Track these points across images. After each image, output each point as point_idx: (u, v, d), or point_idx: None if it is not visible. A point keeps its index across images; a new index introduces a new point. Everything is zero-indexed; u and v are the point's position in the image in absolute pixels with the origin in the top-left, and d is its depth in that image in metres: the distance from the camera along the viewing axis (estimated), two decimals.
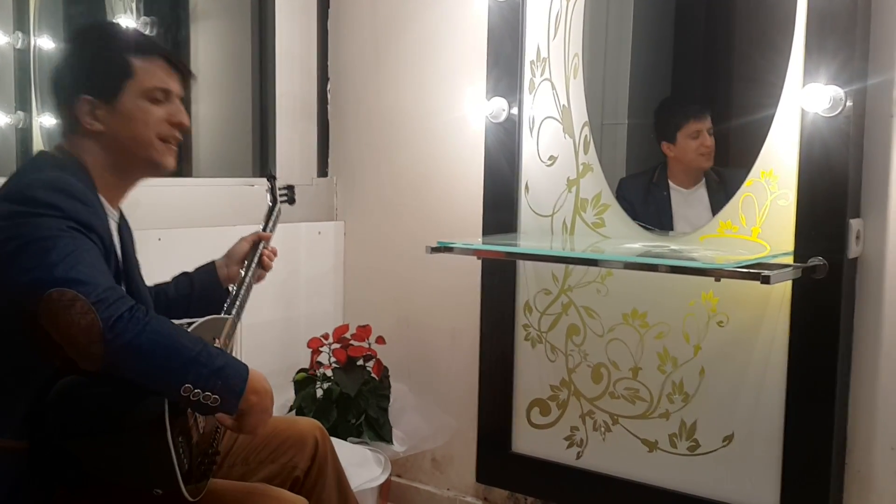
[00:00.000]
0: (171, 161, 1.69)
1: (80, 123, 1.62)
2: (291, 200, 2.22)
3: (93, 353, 1.39)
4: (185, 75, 1.72)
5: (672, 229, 2.34)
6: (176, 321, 1.62)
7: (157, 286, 1.94)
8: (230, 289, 1.92)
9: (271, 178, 2.18)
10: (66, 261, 1.40)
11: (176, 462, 1.45)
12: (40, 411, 1.47)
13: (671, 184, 2.37)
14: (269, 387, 1.57)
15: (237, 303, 1.87)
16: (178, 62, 1.71)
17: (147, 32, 2.76)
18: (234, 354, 1.85)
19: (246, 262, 1.96)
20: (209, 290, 1.95)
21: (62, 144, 1.66)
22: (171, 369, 1.42)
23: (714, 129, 2.31)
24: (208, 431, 1.65)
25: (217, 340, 1.70)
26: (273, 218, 2.11)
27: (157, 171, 1.69)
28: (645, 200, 2.38)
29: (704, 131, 2.30)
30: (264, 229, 2.06)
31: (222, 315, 1.81)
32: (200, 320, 1.65)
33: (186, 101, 1.77)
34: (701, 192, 2.32)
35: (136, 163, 1.66)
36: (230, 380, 1.47)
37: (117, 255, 1.62)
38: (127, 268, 1.68)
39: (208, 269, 1.98)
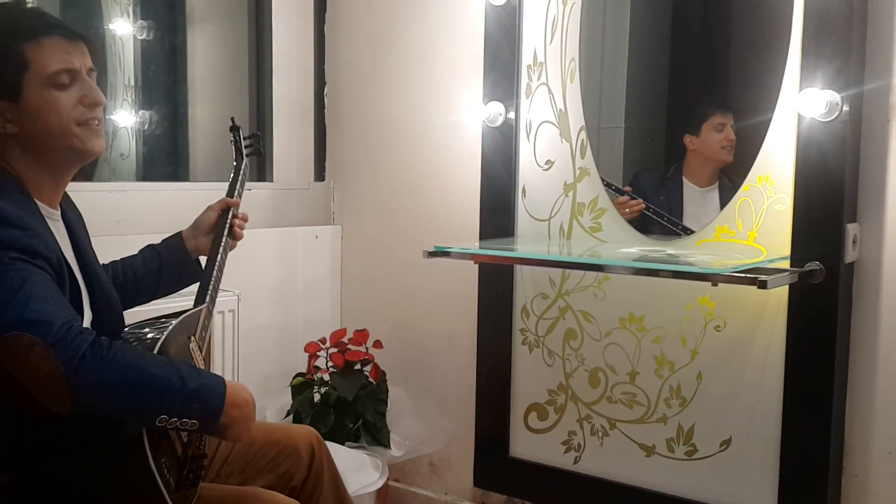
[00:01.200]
0: (97, 144, 1.56)
1: None
2: (258, 152, 2.13)
3: (59, 398, 1.34)
4: (88, 43, 1.56)
5: (681, 223, 2.33)
6: (149, 329, 1.59)
7: (124, 260, 1.89)
8: (199, 260, 1.89)
9: (235, 129, 2.07)
10: (17, 299, 1.33)
11: (161, 483, 1.43)
12: (19, 443, 1.44)
13: (685, 180, 2.37)
14: (250, 395, 1.54)
15: (210, 287, 1.81)
16: (74, 32, 1.54)
17: (144, 36, 2.77)
18: (218, 349, 1.82)
19: (216, 234, 1.91)
20: (178, 264, 1.91)
21: None
22: (143, 403, 1.38)
23: (735, 127, 2.31)
24: (191, 437, 1.63)
25: (192, 338, 1.68)
26: (241, 176, 2.03)
27: (85, 158, 1.57)
28: (657, 193, 2.38)
29: (728, 125, 2.30)
30: (230, 194, 2.00)
31: (194, 308, 1.75)
32: (174, 323, 1.60)
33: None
34: (713, 193, 2.32)
35: (60, 156, 1.54)
36: (207, 400, 1.43)
37: (68, 263, 1.53)
38: (81, 259, 1.62)
39: (176, 241, 1.93)
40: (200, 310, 1.76)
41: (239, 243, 2.02)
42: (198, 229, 1.95)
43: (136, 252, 1.94)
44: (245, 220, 2.01)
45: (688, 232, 2.26)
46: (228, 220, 1.94)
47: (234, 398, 1.47)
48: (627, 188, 2.36)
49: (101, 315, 1.62)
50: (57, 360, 1.31)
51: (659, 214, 2.33)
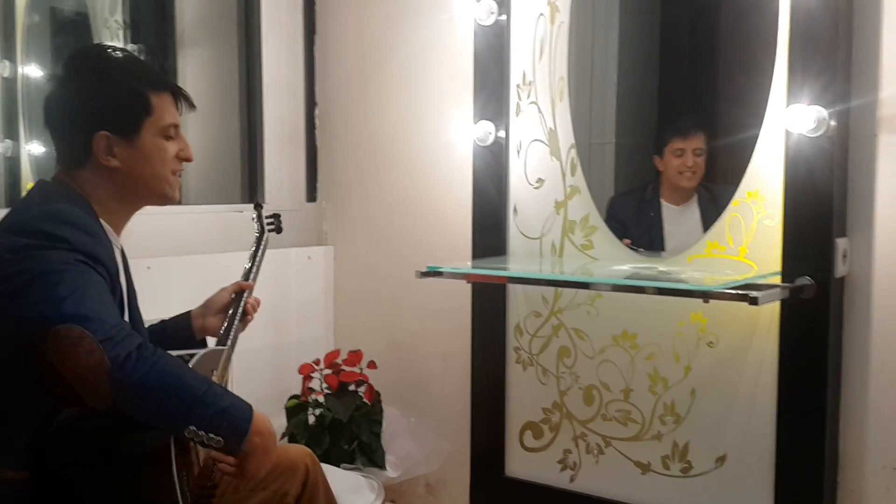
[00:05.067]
0: (178, 194, 1.71)
1: (93, 158, 1.60)
2: (279, 229, 2.20)
3: (101, 392, 1.38)
4: (189, 108, 1.72)
5: (663, 248, 2.34)
6: (175, 352, 1.62)
7: None
8: (206, 341, 1.91)
9: (258, 207, 2.17)
10: (74, 296, 1.40)
11: (179, 495, 1.45)
12: (42, 442, 1.47)
13: (662, 201, 2.38)
14: (273, 428, 1.57)
15: (229, 338, 1.86)
16: (186, 97, 1.70)
17: None
18: (228, 385, 1.86)
19: (230, 315, 1.93)
20: (180, 342, 1.89)
21: (60, 176, 1.63)
22: (177, 410, 1.42)
23: (707, 149, 2.31)
24: (206, 465, 1.64)
25: (214, 373, 1.70)
26: (261, 248, 2.08)
27: (167, 202, 1.70)
28: (636, 218, 2.39)
29: (689, 151, 2.31)
30: (247, 275, 2.02)
31: (217, 347, 1.81)
32: (201, 352, 1.65)
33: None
34: (692, 209, 2.33)
35: (147, 196, 1.67)
36: (235, 421, 1.47)
37: (122, 285, 1.61)
38: (129, 297, 1.68)
39: (182, 320, 1.96)
40: (223, 350, 1.81)
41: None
42: (208, 308, 1.96)
43: None
44: (258, 303, 2.03)
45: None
46: (242, 302, 1.95)
47: (258, 426, 1.51)
48: (626, 241, 2.35)
49: None
50: (104, 355, 1.36)
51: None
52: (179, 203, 2.81)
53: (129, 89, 1.60)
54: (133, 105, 1.60)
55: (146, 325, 1.92)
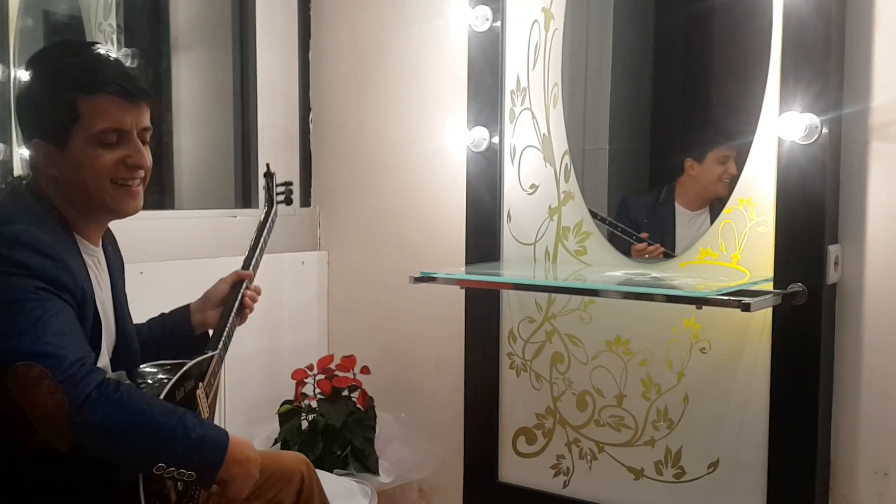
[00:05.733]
0: (130, 205, 1.58)
1: (37, 166, 1.54)
2: (288, 200, 2.11)
3: (61, 435, 1.35)
4: (150, 103, 1.58)
5: (674, 250, 2.33)
6: (160, 363, 1.60)
7: (136, 326, 1.87)
8: (206, 334, 1.87)
9: (269, 176, 2.06)
10: (34, 329, 1.35)
11: None
12: (14, 472, 1.44)
13: (677, 204, 2.38)
14: (254, 454, 1.54)
15: (222, 339, 1.82)
16: (135, 92, 1.54)
17: (129, 64, 2.78)
18: (219, 389, 1.84)
19: (225, 307, 1.87)
20: (179, 337, 1.87)
21: (32, 184, 1.57)
22: (143, 448, 1.39)
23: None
24: (188, 488, 1.62)
25: (200, 385, 1.68)
26: (267, 229, 1.99)
27: (117, 215, 1.59)
28: (650, 219, 2.39)
29: (732, 159, 2.30)
30: (247, 263, 1.97)
31: (206, 355, 1.76)
32: (184, 368, 1.61)
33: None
34: (704, 216, 2.33)
35: (92, 208, 1.57)
36: (207, 453, 1.44)
37: (95, 302, 1.55)
38: (115, 300, 1.65)
39: (182, 313, 1.91)
40: (212, 356, 1.76)
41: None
42: (207, 301, 1.91)
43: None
44: (258, 292, 1.96)
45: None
46: (241, 293, 1.89)
47: (235, 455, 1.48)
48: (644, 234, 2.36)
49: (119, 353, 1.64)
50: (64, 396, 1.32)
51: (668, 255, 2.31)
52: (161, 206, 2.82)
53: (54, 95, 1.51)
54: (57, 111, 1.50)
55: (146, 321, 1.91)
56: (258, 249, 2.00)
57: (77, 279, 1.48)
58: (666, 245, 2.35)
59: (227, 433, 1.49)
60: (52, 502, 1.44)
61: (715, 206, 2.30)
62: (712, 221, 2.20)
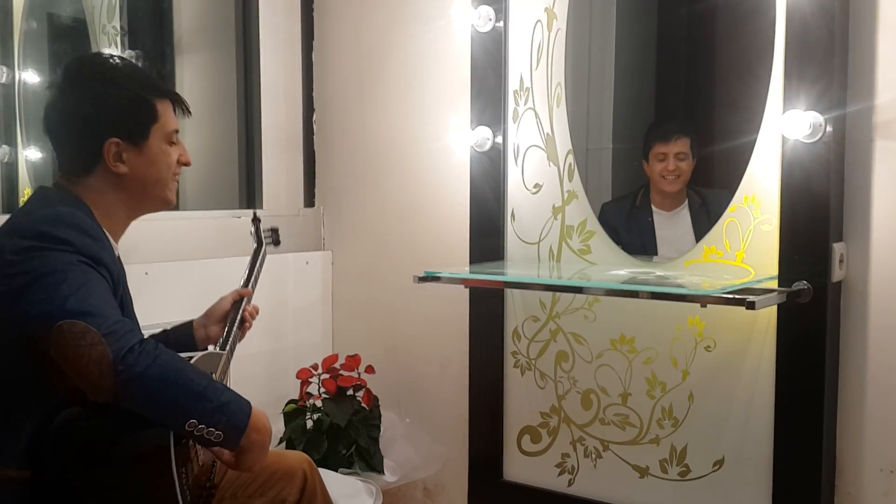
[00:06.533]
0: (175, 198, 1.75)
1: (101, 165, 1.62)
2: (276, 242, 2.22)
3: (103, 385, 1.40)
4: (185, 114, 1.76)
5: (656, 253, 2.36)
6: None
7: None
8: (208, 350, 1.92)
9: (256, 221, 2.18)
10: (78, 294, 1.42)
11: (179, 494, 1.46)
12: (43, 441, 1.48)
13: (653, 207, 2.39)
14: (270, 426, 1.59)
15: (229, 342, 1.87)
16: (183, 103, 1.74)
17: None
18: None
19: (228, 321, 1.95)
20: (183, 350, 1.91)
21: (61, 182, 1.65)
22: (179, 403, 1.44)
23: (696, 153, 2.33)
24: (206, 464, 1.66)
25: (214, 375, 1.71)
26: (259, 261, 2.11)
27: (165, 207, 1.73)
28: (627, 225, 2.40)
29: (671, 155, 2.32)
30: (246, 283, 2.04)
31: (217, 350, 1.82)
32: (199, 354, 1.66)
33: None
34: (683, 214, 2.35)
35: (150, 201, 1.70)
36: (234, 416, 1.49)
37: (123, 288, 1.64)
38: (125, 303, 1.69)
39: (184, 330, 1.97)
40: (222, 354, 1.82)
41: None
42: (209, 318, 1.98)
43: None
44: (256, 311, 2.05)
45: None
46: (241, 310, 1.97)
47: (257, 422, 1.53)
48: None
49: None
50: (107, 348, 1.38)
51: None
52: (177, 209, 2.84)
53: (138, 96, 1.64)
54: (142, 111, 1.64)
55: (147, 336, 1.94)
56: (253, 278, 2.08)
57: (113, 259, 1.58)
58: (647, 247, 2.37)
59: (249, 402, 1.54)
60: (79, 473, 1.47)
61: (694, 200, 2.32)
62: (693, 218, 2.21)
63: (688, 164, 2.33)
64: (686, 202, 2.35)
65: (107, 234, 1.63)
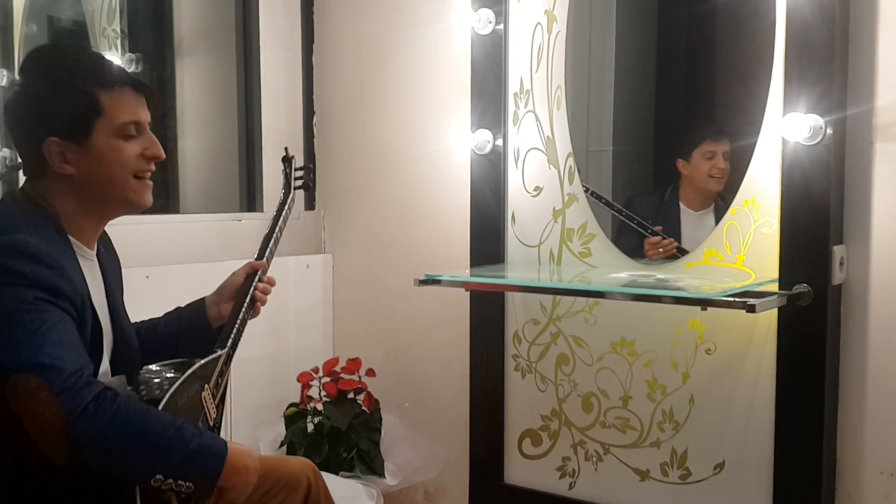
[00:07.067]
0: (148, 198, 1.60)
1: (47, 166, 1.52)
2: (306, 186, 2.08)
3: (58, 448, 1.35)
4: (152, 100, 1.61)
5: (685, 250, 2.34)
6: (165, 363, 1.60)
7: (150, 321, 1.89)
8: (216, 328, 1.85)
9: (287, 161, 2.03)
10: (32, 340, 1.35)
11: None
12: (19, 481, 1.44)
13: (682, 205, 2.39)
14: (252, 462, 1.53)
15: (231, 336, 1.79)
16: (145, 87, 1.59)
17: (133, 69, 2.79)
18: (228, 390, 1.83)
19: (237, 300, 1.85)
20: (195, 329, 1.86)
21: (27, 188, 1.56)
22: (140, 460, 1.38)
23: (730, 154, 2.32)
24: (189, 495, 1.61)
25: (206, 387, 1.67)
26: (283, 217, 1.97)
27: (134, 210, 1.60)
28: (653, 218, 2.39)
29: (720, 153, 2.31)
30: (262, 252, 1.93)
31: (215, 353, 1.74)
32: (188, 371, 1.60)
33: (160, 128, 1.66)
34: (709, 217, 2.34)
35: (110, 204, 1.58)
36: (206, 463, 1.43)
37: (93, 307, 1.54)
38: (111, 303, 1.64)
39: (197, 307, 1.89)
40: (220, 356, 1.74)
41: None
42: (221, 295, 1.89)
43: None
44: (272, 284, 1.94)
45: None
46: (254, 284, 1.87)
47: (234, 464, 1.48)
48: (658, 227, 2.36)
49: (119, 358, 1.63)
50: (60, 409, 1.32)
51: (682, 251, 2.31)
52: (165, 210, 2.83)
53: (74, 90, 1.51)
54: (80, 106, 1.50)
55: (162, 315, 1.89)
56: (272, 239, 1.96)
57: (76, 286, 1.47)
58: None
59: (225, 442, 1.48)
60: None
61: (719, 205, 2.31)
62: (717, 221, 2.20)
63: (728, 165, 2.32)
64: (713, 205, 2.35)
65: (74, 244, 1.55)
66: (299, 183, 2.07)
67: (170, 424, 1.42)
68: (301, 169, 2.07)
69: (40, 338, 1.36)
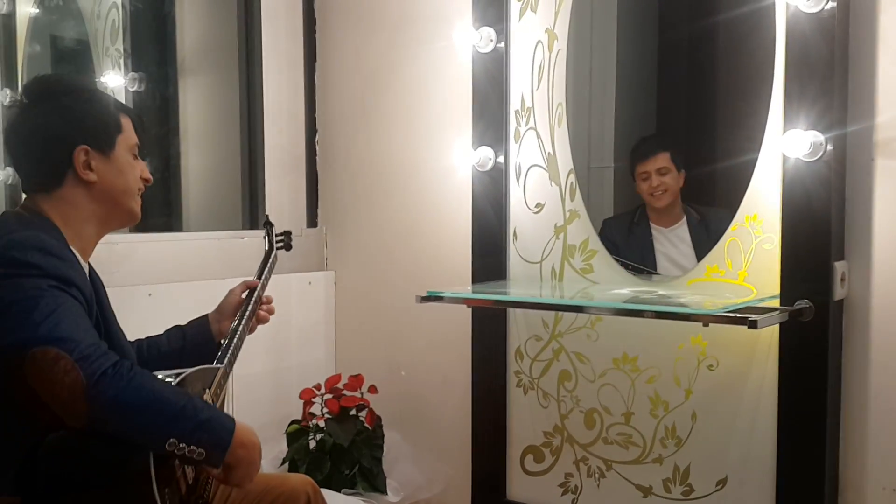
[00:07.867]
0: (140, 213, 1.76)
1: (68, 174, 1.62)
2: (288, 246, 2.23)
3: (77, 410, 1.39)
4: (142, 126, 1.79)
5: (655, 268, 2.36)
6: (166, 371, 1.63)
7: (150, 339, 1.93)
8: (223, 343, 1.90)
9: (268, 225, 2.20)
10: (49, 319, 1.41)
11: None
12: (32, 466, 1.47)
13: (651, 223, 2.40)
14: (258, 440, 1.58)
15: (229, 352, 1.85)
16: (142, 122, 1.78)
17: (136, 88, 2.82)
18: (225, 405, 1.86)
19: (239, 313, 1.94)
20: (201, 346, 1.93)
21: (27, 203, 1.65)
22: (155, 424, 1.43)
23: (681, 164, 2.34)
24: (201, 480, 1.65)
25: (207, 391, 1.70)
26: (269, 264, 2.11)
27: (133, 221, 1.74)
28: (627, 241, 2.41)
29: (653, 172, 2.35)
30: (258, 277, 2.04)
31: (214, 365, 1.79)
32: (191, 370, 1.65)
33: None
34: (682, 231, 2.36)
35: (118, 213, 1.70)
36: (216, 433, 1.48)
37: (95, 306, 1.61)
38: (105, 318, 1.68)
39: (201, 324, 1.96)
40: (219, 368, 1.80)
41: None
42: (221, 313, 1.98)
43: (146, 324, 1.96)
44: (269, 302, 2.04)
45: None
46: (253, 300, 1.98)
47: (241, 438, 1.52)
48: None
49: None
50: (80, 373, 1.37)
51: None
52: (168, 228, 2.84)
53: (104, 104, 1.69)
54: (108, 121, 1.67)
55: (163, 332, 1.95)
56: (267, 268, 2.11)
57: (84, 279, 1.57)
58: (646, 262, 2.37)
59: (233, 418, 1.53)
60: (70, 497, 1.47)
61: (692, 217, 2.33)
62: (692, 235, 2.22)
63: (672, 177, 2.35)
64: (684, 218, 2.36)
65: (76, 254, 1.62)
66: (280, 244, 2.22)
67: (182, 394, 1.49)
68: (281, 234, 2.23)
69: (57, 316, 1.42)
